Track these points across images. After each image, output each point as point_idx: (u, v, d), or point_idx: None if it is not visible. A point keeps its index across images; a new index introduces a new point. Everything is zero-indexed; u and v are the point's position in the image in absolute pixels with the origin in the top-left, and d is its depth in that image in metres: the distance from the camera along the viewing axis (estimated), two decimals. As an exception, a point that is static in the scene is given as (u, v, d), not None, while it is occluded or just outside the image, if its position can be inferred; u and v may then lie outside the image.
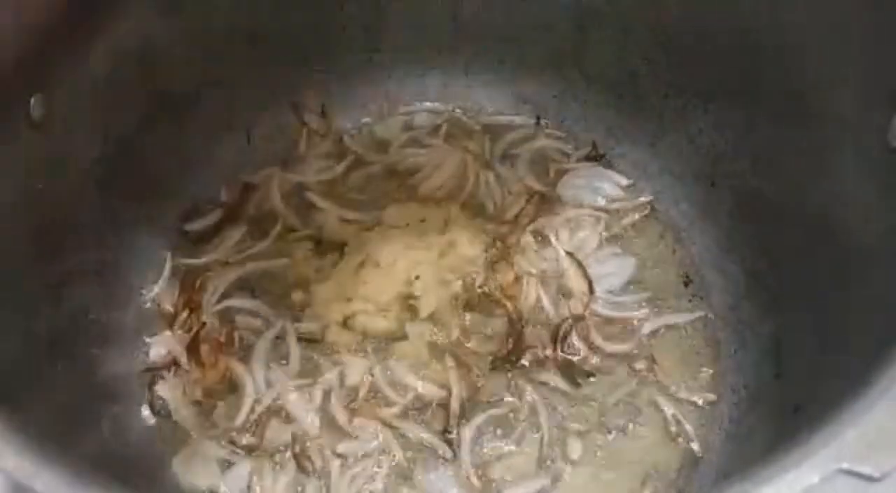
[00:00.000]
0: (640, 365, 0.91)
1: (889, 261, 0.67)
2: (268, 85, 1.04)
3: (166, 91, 0.92)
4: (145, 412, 0.88)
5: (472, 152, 1.07)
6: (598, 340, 0.92)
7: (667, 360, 0.91)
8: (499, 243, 0.98)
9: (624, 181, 1.04)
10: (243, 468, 0.84)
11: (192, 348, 0.90)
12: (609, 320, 0.94)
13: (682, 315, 0.94)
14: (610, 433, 0.87)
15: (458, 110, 1.11)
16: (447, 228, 0.99)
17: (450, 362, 0.90)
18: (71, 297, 0.82)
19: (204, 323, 0.92)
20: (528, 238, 0.99)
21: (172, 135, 0.95)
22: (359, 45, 1.06)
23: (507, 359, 0.90)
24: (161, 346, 0.92)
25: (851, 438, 0.48)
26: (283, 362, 0.91)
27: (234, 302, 0.95)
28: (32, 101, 0.72)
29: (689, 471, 0.85)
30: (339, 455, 0.85)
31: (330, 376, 0.89)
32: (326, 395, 0.88)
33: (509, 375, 0.90)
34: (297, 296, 0.95)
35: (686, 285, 0.97)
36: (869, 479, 0.46)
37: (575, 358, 0.91)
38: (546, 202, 1.02)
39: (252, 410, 0.88)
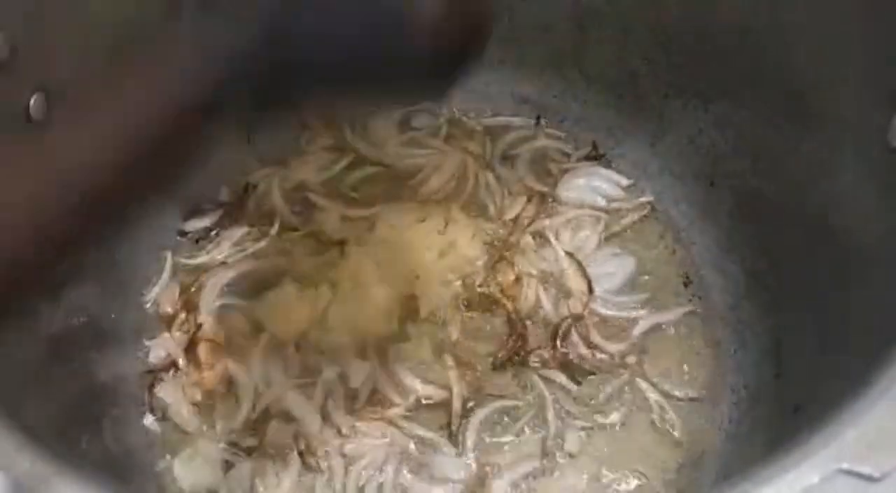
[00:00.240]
0: (639, 364, 0.91)
1: (889, 261, 0.67)
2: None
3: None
4: (146, 413, 0.88)
5: (472, 153, 1.07)
6: (597, 339, 0.92)
7: (666, 360, 0.91)
8: (499, 243, 0.99)
9: (624, 181, 1.04)
10: (245, 468, 0.84)
11: (191, 350, 0.91)
12: (608, 320, 0.94)
13: (681, 315, 0.94)
14: (608, 431, 0.87)
15: (457, 111, 1.11)
16: (447, 228, 0.99)
17: (450, 361, 0.90)
18: (70, 297, 0.82)
19: (200, 324, 0.93)
20: (528, 238, 0.99)
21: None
22: (359, 46, 1.06)
23: (509, 358, 0.90)
24: (160, 348, 0.92)
25: (851, 438, 0.48)
26: (283, 362, 0.90)
27: (231, 302, 0.95)
28: (32, 101, 0.72)
29: (689, 471, 0.85)
30: (344, 455, 0.85)
31: (331, 377, 0.89)
32: (328, 395, 0.88)
33: (511, 372, 0.90)
34: (296, 296, 0.95)
35: (686, 285, 0.97)
36: (869, 479, 0.46)
37: (574, 357, 0.91)
38: (546, 202, 1.02)
39: (252, 410, 0.87)
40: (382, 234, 0.99)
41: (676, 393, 0.89)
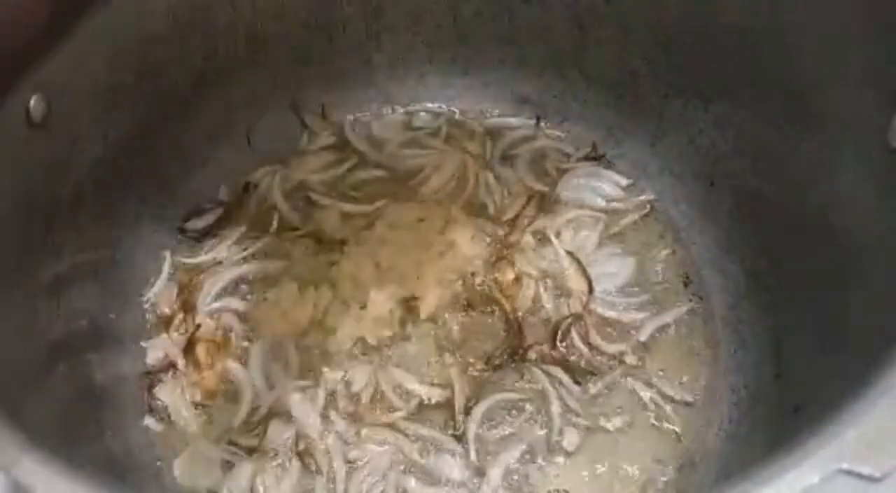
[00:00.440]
0: (639, 365, 0.91)
1: (889, 261, 0.67)
2: (268, 85, 1.04)
3: (166, 91, 0.92)
4: (145, 414, 0.88)
5: (473, 154, 1.07)
6: (596, 339, 0.92)
7: (666, 360, 0.92)
8: (499, 243, 0.99)
9: (624, 181, 1.04)
10: (245, 468, 0.84)
11: (189, 351, 0.91)
12: (608, 320, 0.94)
13: (681, 315, 0.94)
14: (608, 431, 0.87)
15: (457, 111, 1.11)
16: (447, 228, 0.99)
17: (451, 361, 0.90)
18: (70, 298, 0.82)
19: (199, 325, 0.93)
20: (528, 238, 0.99)
21: (172, 135, 0.95)
22: (359, 46, 1.06)
23: (509, 356, 0.90)
24: (158, 349, 0.92)
25: (851, 438, 0.48)
26: (283, 362, 0.90)
27: (230, 302, 0.95)
28: (32, 101, 0.72)
29: (689, 471, 0.85)
30: (348, 461, 0.85)
31: (332, 378, 0.89)
32: (329, 397, 0.88)
33: (512, 368, 0.90)
34: (296, 296, 0.95)
35: (686, 285, 0.97)
36: (869, 479, 0.46)
37: (573, 357, 0.91)
38: (546, 202, 1.02)
39: (252, 411, 0.88)
40: (382, 234, 0.99)
41: (676, 394, 0.89)
